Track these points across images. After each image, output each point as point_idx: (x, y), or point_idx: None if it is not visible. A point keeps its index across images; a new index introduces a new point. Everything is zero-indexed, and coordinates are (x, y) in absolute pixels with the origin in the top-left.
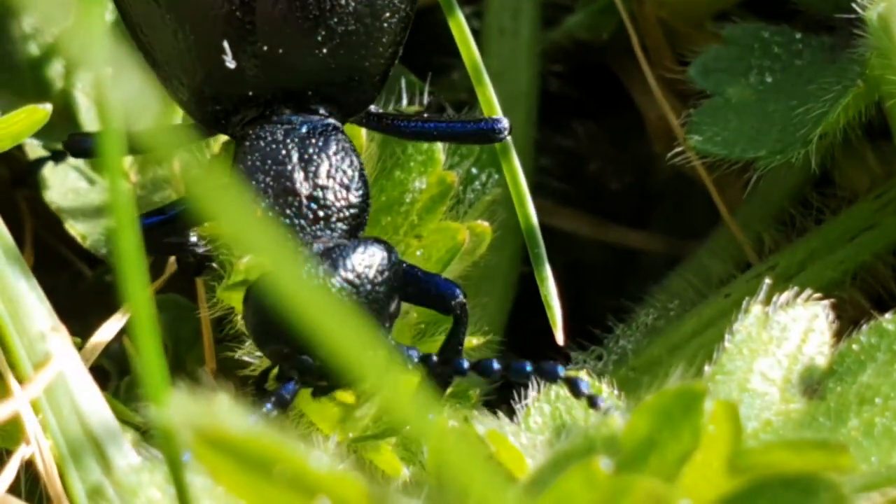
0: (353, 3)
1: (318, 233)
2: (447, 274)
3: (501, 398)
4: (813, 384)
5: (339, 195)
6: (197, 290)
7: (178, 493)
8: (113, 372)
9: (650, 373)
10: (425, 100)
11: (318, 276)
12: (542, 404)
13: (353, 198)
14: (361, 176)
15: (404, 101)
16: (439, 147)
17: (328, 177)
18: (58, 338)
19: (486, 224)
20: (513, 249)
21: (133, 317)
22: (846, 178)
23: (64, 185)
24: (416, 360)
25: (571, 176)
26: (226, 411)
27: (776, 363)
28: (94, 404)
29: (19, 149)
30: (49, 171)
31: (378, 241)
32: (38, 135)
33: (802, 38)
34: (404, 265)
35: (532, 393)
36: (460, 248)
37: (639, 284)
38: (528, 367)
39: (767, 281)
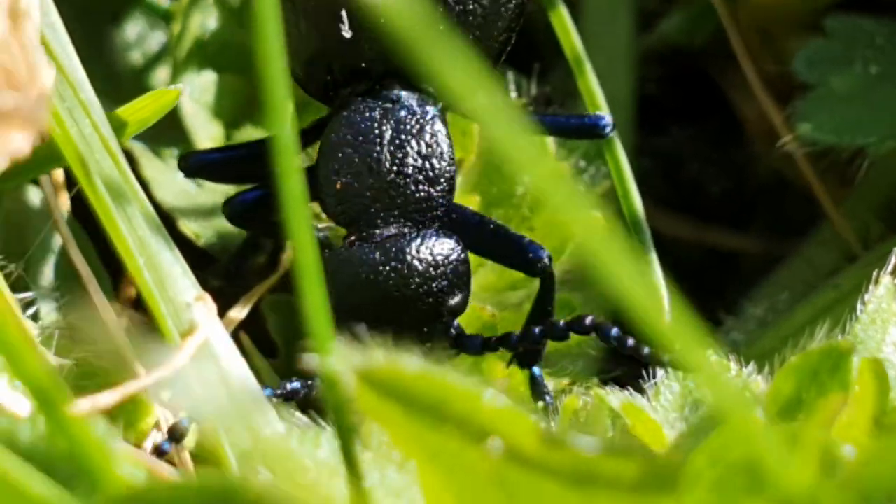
0: None
1: (391, 218)
2: (560, 266)
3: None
4: None
5: (420, 185)
6: None
7: (342, 438)
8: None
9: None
10: (532, 93)
11: (376, 261)
12: (672, 382)
13: (435, 192)
14: (448, 171)
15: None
16: (549, 140)
17: (414, 165)
18: (202, 307)
19: (599, 214)
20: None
21: (298, 260)
22: None
23: (174, 186)
24: (477, 346)
25: (670, 179)
26: (390, 358)
27: None
28: (240, 372)
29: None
30: (157, 172)
31: (447, 235)
32: (143, 137)
33: None
34: (491, 225)
35: (661, 372)
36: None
37: (740, 288)
38: (589, 322)
39: (895, 251)
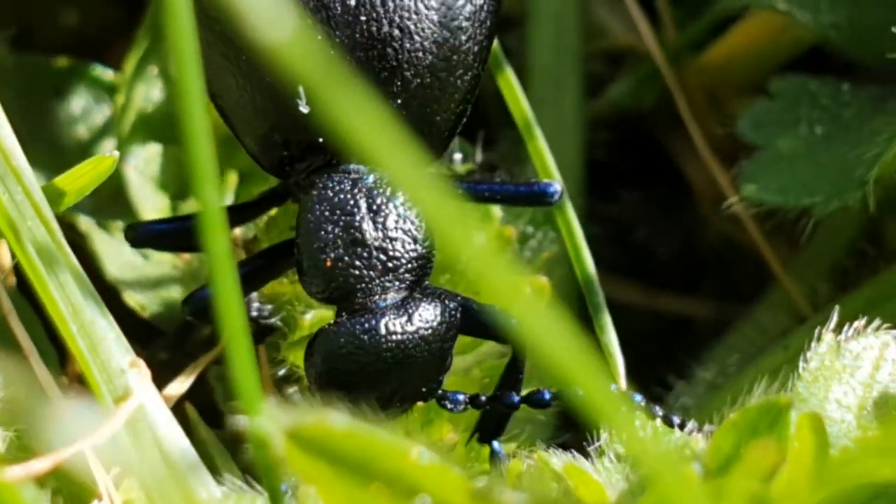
0: (429, 57)
1: (388, 284)
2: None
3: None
4: (888, 411)
5: (407, 246)
6: (258, 352)
7: (272, 499)
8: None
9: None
10: (477, 160)
11: (392, 329)
12: (615, 444)
13: (421, 248)
14: (427, 226)
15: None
16: (495, 206)
17: (396, 227)
18: (136, 373)
19: (545, 279)
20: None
21: (224, 318)
22: None
23: (120, 258)
24: (462, 402)
25: (620, 244)
26: (318, 417)
27: (850, 390)
28: (175, 437)
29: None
30: (103, 245)
31: (445, 293)
32: (89, 210)
33: (850, 90)
34: (459, 297)
35: (604, 434)
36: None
37: (691, 352)
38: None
39: (837, 309)
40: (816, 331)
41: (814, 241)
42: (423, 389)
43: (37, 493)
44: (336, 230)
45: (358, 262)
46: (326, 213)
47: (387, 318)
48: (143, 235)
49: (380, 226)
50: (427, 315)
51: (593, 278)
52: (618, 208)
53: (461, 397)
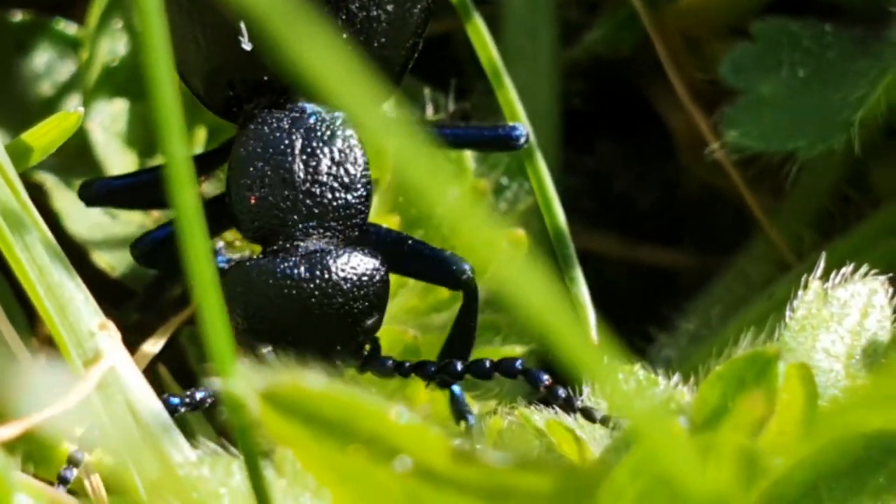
0: None
1: (311, 230)
2: (482, 286)
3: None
4: (877, 359)
5: (337, 194)
6: None
7: (248, 464)
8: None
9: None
10: (449, 109)
11: (297, 278)
12: (598, 399)
13: (352, 198)
14: (365, 177)
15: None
16: (468, 156)
17: (328, 173)
18: (106, 335)
19: (521, 232)
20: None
21: (199, 282)
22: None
23: (87, 218)
24: (390, 369)
25: (599, 195)
26: (294, 377)
27: (838, 339)
28: (147, 400)
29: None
30: (69, 204)
31: (372, 254)
32: (55, 169)
33: (832, 32)
34: (410, 241)
35: (587, 389)
36: (497, 257)
37: (673, 304)
38: (519, 366)
39: (824, 256)
40: (803, 279)
41: (797, 188)
42: (343, 347)
43: (6, 459)
44: (265, 168)
45: (283, 204)
46: (258, 150)
47: (297, 264)
48: (99, 193)
49: (311, 169)
50: (347, 269)
51: (564, 230)
52: (596, 158)
53: (389, 363)
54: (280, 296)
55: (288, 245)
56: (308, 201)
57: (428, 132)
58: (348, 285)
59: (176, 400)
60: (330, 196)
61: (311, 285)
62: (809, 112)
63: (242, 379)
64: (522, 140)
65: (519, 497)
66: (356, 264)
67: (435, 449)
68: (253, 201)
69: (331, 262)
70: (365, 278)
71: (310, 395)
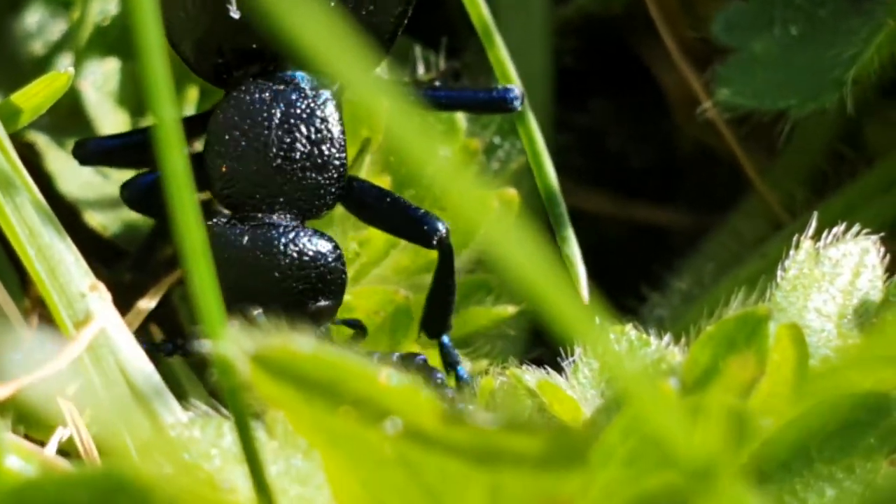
0: None
1: (277, 206)
2: (474, 246)
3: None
4: (869, 319)
5: (308, 173)
6: None
7: (239, 426)
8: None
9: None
10: (440, 68)
11: (239, 248)
12: (590, 359)
13: (323, 179)
14: (339, 158)
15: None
16: (460, 116)
17: (302, 151)
18: (97, 296)
19: (513, 191)
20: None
21: (184, 243)
22: (879, 129)
23: (79, 178)
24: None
25: (592, 154)
26: (283, 339)
27: (830, 298)
28: (138, 362)
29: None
30: (61, 164)
31: (324, 237)
32: (47, 129)
33: None
34: (388, 198)
35: (578, 349)
36: (488, 217)
37: (666, 263)
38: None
39: (815, 215)
40: (794, 238)
41: (790, 146)
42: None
43: None
44: (240, 139)
45: (252, 177)
46: (235, 119)
47: (247, 235)
48: (93, 152)
49: (285, 146)
50: (290, 247)
51: (555, 189)
52: (589, 117)
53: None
54: (226, 262)
55: (253, 217)
56: (277, 178)
57: (421, 94)
58: (289, 263)
59: (146, 345)
60: (300, 175)
61: (254, 259)
62: (802, 70)
63: (232, 341)
64: (517, 102)
65: (509, 458)
66: (303, 243)
67: (425, 410)
68: (224, 170)
69: (276, 237)
70: (308, 259)
71: (300, 358)
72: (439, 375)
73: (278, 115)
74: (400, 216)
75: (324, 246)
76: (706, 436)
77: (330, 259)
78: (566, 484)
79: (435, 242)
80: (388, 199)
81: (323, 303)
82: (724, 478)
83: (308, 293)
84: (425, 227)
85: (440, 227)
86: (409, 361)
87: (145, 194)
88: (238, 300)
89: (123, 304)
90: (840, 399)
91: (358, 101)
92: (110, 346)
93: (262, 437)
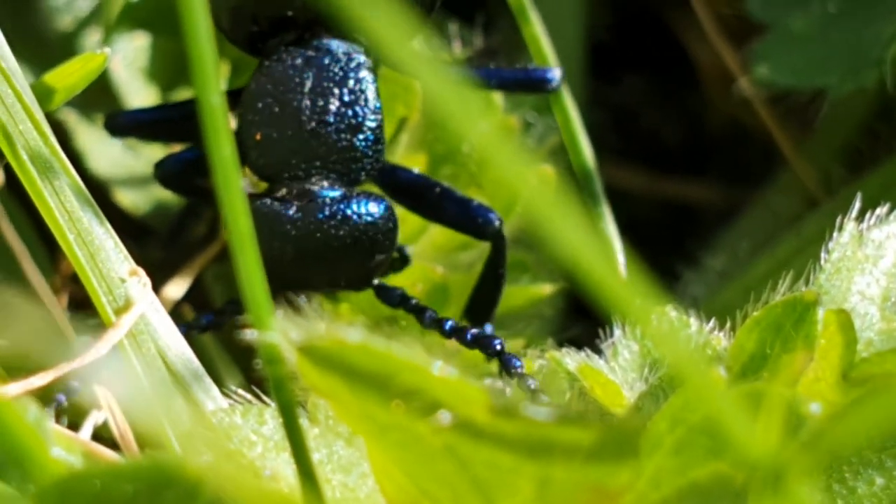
0: None
1: (314, 171)
2: (511, 224)
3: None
4: None
5: (343, 135)
6: None
7: (284, 414)
8: None
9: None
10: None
11: (289, 220)
12: (630, 341)
13: (358, 141)
14: (374, 120)
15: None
16: (496, 93)
17: (336, 113)
18: (137, 281)
19: (550, 169)
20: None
21: (231, 231)
22: None
23: (109, 155)
24: (404, 301)
25: (624, 130)
26: (332, 330)
27: (874, 281)
28: (178, 348)
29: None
30: (91, 142)
31: (374, 199)
32: (76, 106)
33: None
34: (438, 188)
35: (617, 331)
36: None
37: (699, 240)
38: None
39: (859, 196)
40: (837, 220)
41: (826, 123)
42: (347, 283)
43: (40, 411)
44: (273, 105)
45: (287, 143)
46: (268, 87)
47: (294, 207)
48: (125, 124)
49: (318, 110)
50: (341, 214)
51: (591, 169)
52: (622, 93)
53: (396, 292)
54: (276, 238)
55: (292, 186)
56: (313, 142)
57: (461, 73)
58: (343, 230)
59: (183, 328)
60: (335, 138)
61: (304, 228)
62: (840, 48)
63: (280, 332)
64: (556, 83)
65: (560, 451)
66: (355, 207)
67: (476, 403)
68: (259, 138)
69: (326, 206)
70: (363, 222)
71: (349, 349)
72: (518, 363)
73: (311, 78)
74: (452, 207)
75: (376, 209)
76: (767, 427)
77: (385, 220)
78: (616, 476)
79: (490, 234)
80: (438, 190)
81: (379, 257)
82: (791, 473)
83: (365, 256)
84: (480, 220)
85: (494, 219)
86: (486, 344)
87: (180, 173)
88: (291, 275)
89: (155, 284)
90: (888, 385)
91: (394, 78)
92: (150, 332)
93: (304, 423)
